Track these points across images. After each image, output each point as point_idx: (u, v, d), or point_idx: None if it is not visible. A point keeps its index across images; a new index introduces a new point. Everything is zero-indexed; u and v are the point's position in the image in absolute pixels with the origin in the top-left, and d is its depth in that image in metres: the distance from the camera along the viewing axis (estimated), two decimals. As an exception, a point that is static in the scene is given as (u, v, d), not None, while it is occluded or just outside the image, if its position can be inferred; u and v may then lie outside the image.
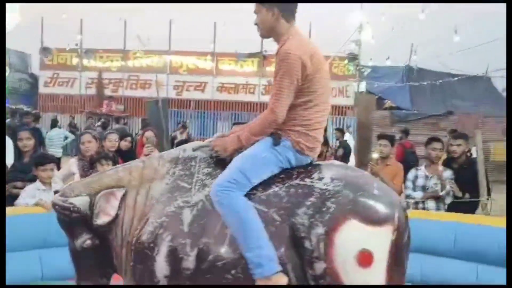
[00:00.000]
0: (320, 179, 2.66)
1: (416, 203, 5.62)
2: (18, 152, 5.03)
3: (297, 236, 2.51)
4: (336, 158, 10.65)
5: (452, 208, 5.49)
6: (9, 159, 4.61)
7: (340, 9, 20.45)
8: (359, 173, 2.97)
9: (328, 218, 2.48)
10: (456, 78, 20.40)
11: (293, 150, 2.75)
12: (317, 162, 2.94)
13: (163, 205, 2.72)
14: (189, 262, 2.56)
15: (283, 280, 2.51)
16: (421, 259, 4.82)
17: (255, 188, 2.68)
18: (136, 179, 2.87)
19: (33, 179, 4.93)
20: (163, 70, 22.92)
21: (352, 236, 2.46)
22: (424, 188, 5.64)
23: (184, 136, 14.81)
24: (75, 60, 24.06)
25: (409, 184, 5.79)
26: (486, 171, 5.82)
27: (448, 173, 5.60)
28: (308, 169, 2.78)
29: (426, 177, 5.67)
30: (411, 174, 5.84)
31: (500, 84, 28.25)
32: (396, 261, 2.55)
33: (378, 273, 2.48)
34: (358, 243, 2.45)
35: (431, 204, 5.53)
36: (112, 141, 5.72)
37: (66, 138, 14.62)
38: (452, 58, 18.86)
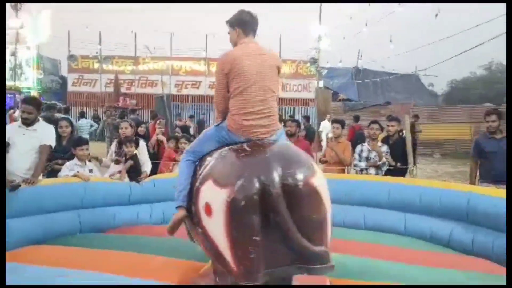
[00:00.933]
0: (227, 150, 2.75)
1: (361, 170, 5.70)
2: (58, 137, 5.01)
3: (192, 186, 2.84)
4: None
5: (388, 173, 5.52)
6: (53, 143, 4.54)
7: (304, 23, 20.41)
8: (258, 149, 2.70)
9: (203, 176, 2.66)
10: (391, 76, 20.72)
11: (226, 130, 2.82)
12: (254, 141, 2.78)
13: None
14: None
15: (181, 212, 2.87)
16: (364, 211, 4.93)
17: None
18: None
19: (71, 157, 4.92)
20: (166, 72, 22.54)
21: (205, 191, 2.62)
22: (367, 159, 5.66)
23: (191, 124, 14.76)
24: (96, 65, 23.49)
25: (356, 156, 5.80)
26: (413, 146, 5.86)
27: (384, 148, 5.66)
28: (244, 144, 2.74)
29: (369, 151, 5.70)
30: (358, 148, 5.86)
31: (426, 80, 28.80)
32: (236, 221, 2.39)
33: (217, 223, 2.48)
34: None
35: (372, 171, 5.58)
36: (122, 128, 5.58)
37: (91, 126, 14.56)
38: (388, 61, 19.13)
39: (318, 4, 17.11)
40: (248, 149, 2.67)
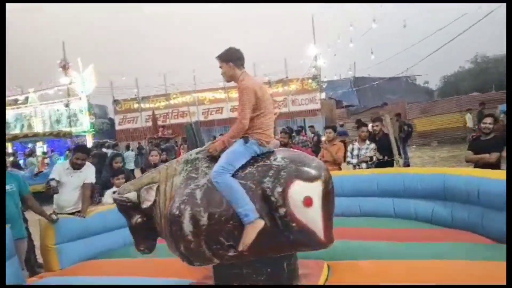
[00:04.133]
0: (275, 159, 2.80)
1: (354, 166, 5.74)
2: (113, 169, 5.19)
3: (266, 195, 2.62)
4: (313, 143, 10.87)
5: (377, 166, 5.49)
6: (93, 180, 4.68)
7: (300, 45, 20.63)
8: (298, 153, 3.05)
9: (283, 181, 2.62)
10: (381, 80, 20.56)
11: (257, 144, 2.84)
12: (272, 150, 2.98)
13: (182, 190, 2.79)
14: (203, 220, 2.63)
15: (261, 223, 2.58)
16: (359, 200, 4.94)
17: (237, 170, 2.74)
18: (163, 176, 2.93)
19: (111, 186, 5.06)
20: (193, 103, 23.11)
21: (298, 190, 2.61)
22: (358, 156, 5.68)
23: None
24: (136, 105, 24.11)
25: (349, 154, 5.82)
26: (396, 140, 5.81)
27: (372, 145, 5.67)
28: (267, 154, 2.88)
29: (359, 149, 5.72)
30: (350, 147, 5.87)
31: (421, 79, 28.34)
32: (327, 201, 2.68)
33: (316, 209, 2.62)
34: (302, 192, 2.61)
35: (363, 165, 5.59)
36: (152, 156, 5.73)
37: (136, 156, 15.07)
38: (379, 67, 19.09)
39: (311, 29, 17.21)
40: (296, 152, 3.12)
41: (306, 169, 2.71)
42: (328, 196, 2.71)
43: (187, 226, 2.65)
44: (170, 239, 2.78)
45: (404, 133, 11.21)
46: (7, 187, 3.75)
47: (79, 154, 4.51)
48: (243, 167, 2.79)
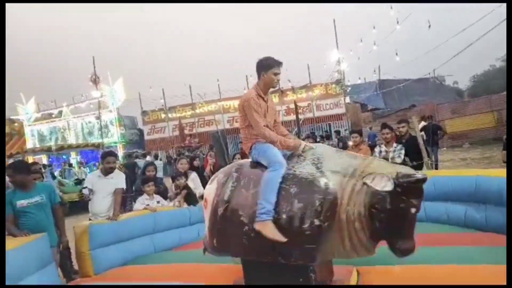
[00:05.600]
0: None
1: None
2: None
3: None
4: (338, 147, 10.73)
5: None
6: (124, 186, 4.86)
7: (323, 51, 20.56)
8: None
9: None
10: (407, 82, 20.08)
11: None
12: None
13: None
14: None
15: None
16: None
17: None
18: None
19: (142, 193, 5.21)
20: (218, 112, 23.39)
21: None
22: (385, 159, 5.32)
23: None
24: (163, 115, 24.65)
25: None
26: (423, 142, 5.66)
27: (398, 147, 5.49)
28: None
29: (386, 152, 5.54)
30: (376, 150, 5.72)
31: (450, 79, 27.56)
32: None
33: None
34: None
35: None
36: (182, 164, 5.85)
37: (164, 164, 15.39)
38: (405, 68, 18.70)
39: (333, 35, 17.09)
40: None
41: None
42: None
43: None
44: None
45: (428, 135, 10.86)
46: (38, 198, 3.86)
47: (108, 158, 4.73)
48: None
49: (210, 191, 3.05)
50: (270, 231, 2.56)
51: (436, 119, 18.72)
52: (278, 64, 2.96)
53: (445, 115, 18.91)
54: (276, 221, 2.58)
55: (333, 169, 2.60)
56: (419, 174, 2.33)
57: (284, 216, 2.56)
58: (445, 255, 3.26)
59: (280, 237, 2.54)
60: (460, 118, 18.15)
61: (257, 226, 2.61)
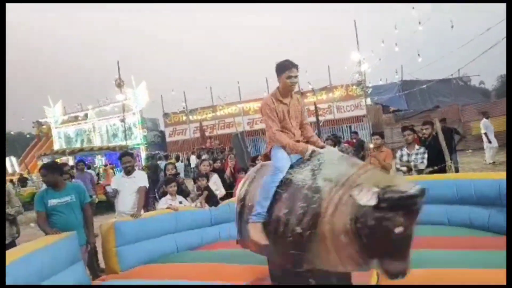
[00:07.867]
0: None
1: (404, 173, 5.44)
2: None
3: None
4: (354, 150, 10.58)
5: (430, 172, 5.21)
6: (147, 184, 5.01)
7: (344, 52, 20.42)
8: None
9: None
10: (431, 83, 19.63)
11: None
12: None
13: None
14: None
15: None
16: None
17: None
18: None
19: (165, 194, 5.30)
20: (238, 114, 23.54)
21: None
22: (408, 162, 5.43)
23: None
24: (184, 118, 24.93)
25: (397, 161, 5.62)
26: (446, 144, 5.52)
27: (421, 149, 5.45)
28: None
29: (408, 154, 5.52)
30: (398, 153, 5.66)
31: (476, 80, 26.86)
32: None
33: None
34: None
35: (414, 172, 5.31)
36: (205, 166, 5.97)
37: (186, 166, 15.65)
38: (429, 68, 18.35)
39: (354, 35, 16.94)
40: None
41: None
42: None
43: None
44: None
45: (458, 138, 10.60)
46: (67, 198, 4.01)
47: (124, 158, 4.93)
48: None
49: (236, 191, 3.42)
50: (254, 233, 2.69)
51: (462, 121, 18.23)
52: (293, 66, 2.89)
53: (470, 116, 18.40)
54: (266, 224, 2.66)
55: (327, 176, 2.44)
56: (413, 190, 2.04)
57: (273, 220, 2.61)
58: (467, 259, 3.23)
59: (260, 240, 2.65)
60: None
61: (248, 226, 2.77)
